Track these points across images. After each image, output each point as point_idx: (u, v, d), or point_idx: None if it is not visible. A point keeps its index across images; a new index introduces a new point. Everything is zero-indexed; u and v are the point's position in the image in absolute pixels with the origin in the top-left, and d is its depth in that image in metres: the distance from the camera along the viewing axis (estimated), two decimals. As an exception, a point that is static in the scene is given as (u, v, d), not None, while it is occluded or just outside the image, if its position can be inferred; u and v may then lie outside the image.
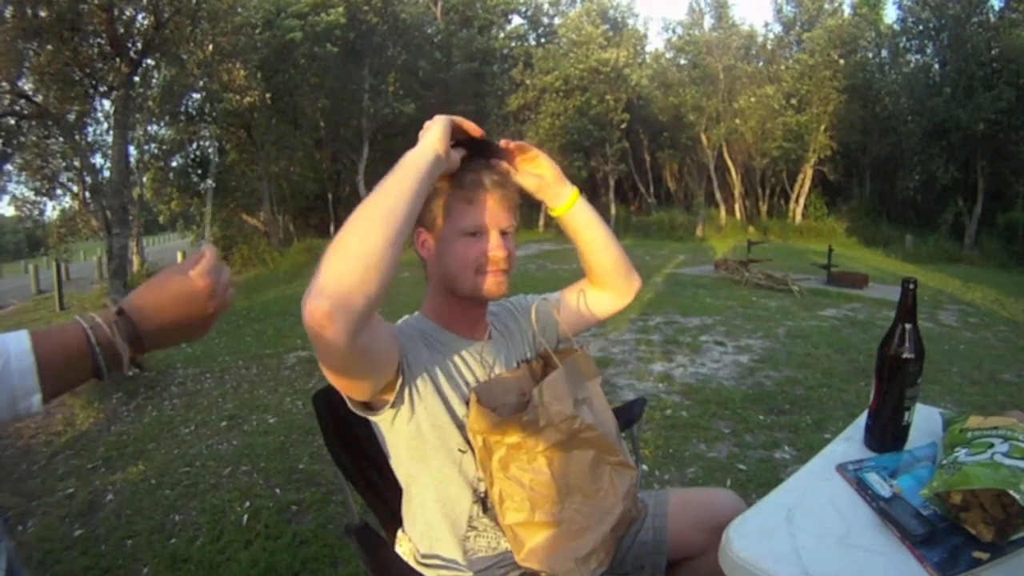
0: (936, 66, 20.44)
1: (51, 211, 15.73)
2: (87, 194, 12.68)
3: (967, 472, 0.99)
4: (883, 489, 1.12)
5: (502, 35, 24.80)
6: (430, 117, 1.21)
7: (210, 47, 7.53)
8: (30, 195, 13.89)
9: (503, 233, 1.29)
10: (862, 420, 1.40)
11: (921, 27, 20.25)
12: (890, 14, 30.19)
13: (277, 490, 3.44)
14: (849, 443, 1.37)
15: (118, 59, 6.38)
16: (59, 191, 13.87)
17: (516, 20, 26.67)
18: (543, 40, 25.01)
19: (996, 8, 18.20)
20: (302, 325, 1.00)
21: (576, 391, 1.23)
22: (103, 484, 3.66)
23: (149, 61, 9.33)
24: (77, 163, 12.34)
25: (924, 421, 1.37)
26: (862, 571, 0.94)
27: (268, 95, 13.38)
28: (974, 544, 0.97)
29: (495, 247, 1.27)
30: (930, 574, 0.92)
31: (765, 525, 1.05)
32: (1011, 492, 0.92)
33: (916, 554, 0.96)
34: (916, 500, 1.08)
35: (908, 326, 1.26)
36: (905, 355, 1.26)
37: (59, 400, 5.21)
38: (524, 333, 1.50)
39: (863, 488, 1.14)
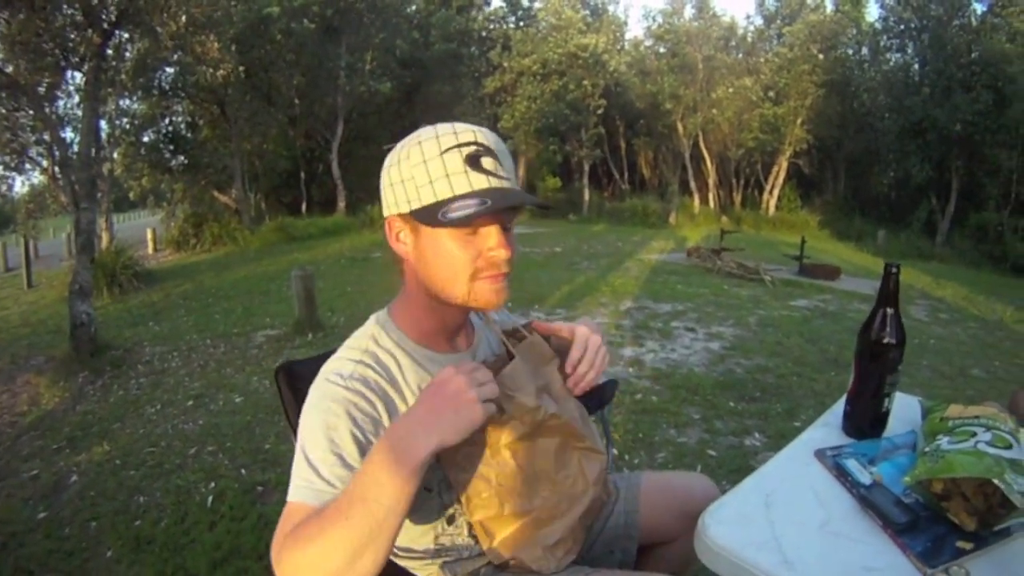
0: (916, 66, 20.76)
1: (20, 187, 15.45)
2: (56, 168, 12.45)
3: (951, 460, 0.98)
4: (863, 476, 1.10)
5: (481, 16, 24.62)
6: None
7: (183, 18, 7.35)
8: (-2, 170, 13.65)
9: (504, 229, 1.03)
10: (839, 406, 1.39)
11: (902, 26, 20.54)
12: (872, 12, 30.40)
13: (243, 470, 3.39)
14: (827, 429, 1.35)
15: (90, 29, 6.21)
16: (28, 166, 13.62)
17: (496, 2, 26.55)
18: (522, 23, 24.85)
19: (978, 12, 18.49)
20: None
21: (536, 377, 1.15)
22: (68, 465, 3.60)
23: (124, 34, 9.12)
24: (47, 137, 12.10)
25: (902, 409, 1.36)
26: (843, 559, 0.92)
27: (242, 69, 13.17)
28: (957, 534, 0.95)
29: (497, 246, 1.00)
30: (913, 563, 0.91)
31: (743, 511, 1.03)
32: (995, 481, 0.90)
33: (898, 542, 0.95)
34: (897, 487, 1.06)
35: (890, 311, 1.24)
36: (886, 340, 1.24)
37: (24, 379, 5.13)
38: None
39: (843, 474, 1.12)
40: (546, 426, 1.14)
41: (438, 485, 1.13)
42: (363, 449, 0.96)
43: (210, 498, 3.10)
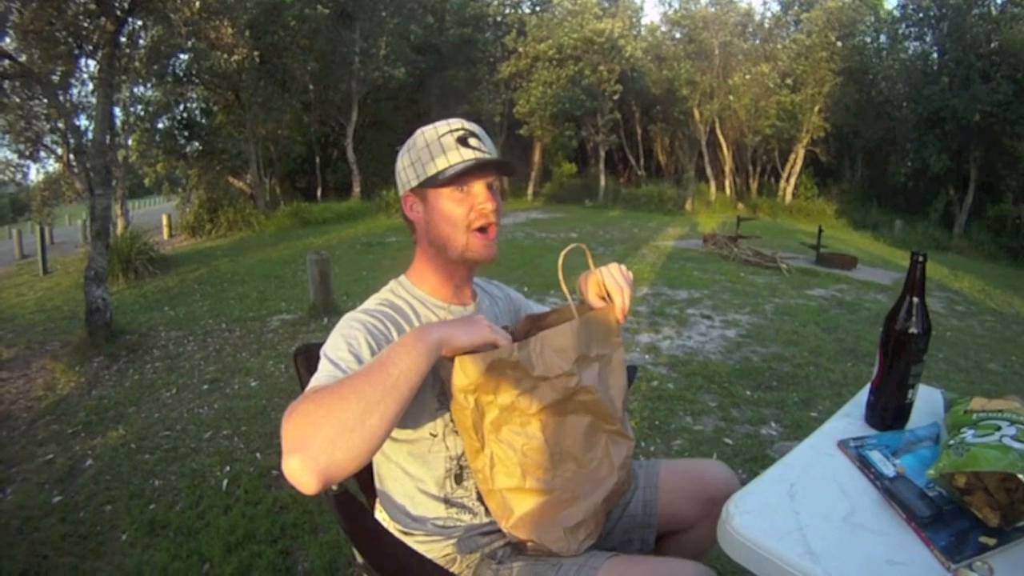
0: (934, 54, 20.44)
1: (35, 174, 15.56)
2: (71, 156, 12.50)
3: (975, 454, 0.96)
4: (886, 468, 1.08)
5: (496, 1, 24.41)
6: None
7: (197, 4, 7.34)
8: (13, 158, 13.71)
9: (489, 187, 1.29)
10: (861, 396, 1.37)
11: (921, 15, 20.23)
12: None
13: (257, 454, 3.41)
14: (849, 419, 1.33)
15: (103, 17, 6.22)
16: (43, 154, 13.69)
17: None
18: (537, 8, 24.65)
19: (998, 1, 18.22)
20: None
21: (588, 347, 1.18)
22: (83, 449, 3.63)
23: (137, 21, 9.12)
24: (61, 124, 12.15)
25: (924, 401, 1.34)
26: (867, 551, 0.91)
27: (257, 55, 13.17)
28: (981, 529, 0.94)
29: (484, 199, 1.27)
30: (937, 558, 0.89)
31: (767, 501, 1.02)
32: (1019, 476, 0.88)
33: (922, 536, 0.93)
34: (920, 480, 1.04)
35: (915, 300, 1.22)
36: (912, 330, 1.22)
37: (40, 364, 5.17)
38: (508, 301, 1.55)
39: (866, 466, 1.11)
40: (578, 399, 1.16)
41: (443, 430, 1.26)
42: (370, 349, 1.15)
43: (225, 482, 3.12)
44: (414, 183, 1.29)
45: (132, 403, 4.35)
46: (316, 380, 1.06)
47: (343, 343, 1.14)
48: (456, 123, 1.29)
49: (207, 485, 3.11)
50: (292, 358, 1.44)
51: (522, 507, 1.15)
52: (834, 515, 0.98)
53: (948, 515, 0.97)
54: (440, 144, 1.26)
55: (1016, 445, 0.96)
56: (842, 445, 1.19)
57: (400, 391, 0.94)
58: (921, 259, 1.21)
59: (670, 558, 1.23)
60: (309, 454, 0.86)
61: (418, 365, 0.98)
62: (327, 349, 1.14)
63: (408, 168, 1.30)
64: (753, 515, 0.97)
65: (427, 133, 1.28)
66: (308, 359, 1.37)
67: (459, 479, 1.28)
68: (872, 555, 0.90)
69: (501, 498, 1.16)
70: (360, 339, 1.16)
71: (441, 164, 1.25)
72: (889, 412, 1.28)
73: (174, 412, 4.13)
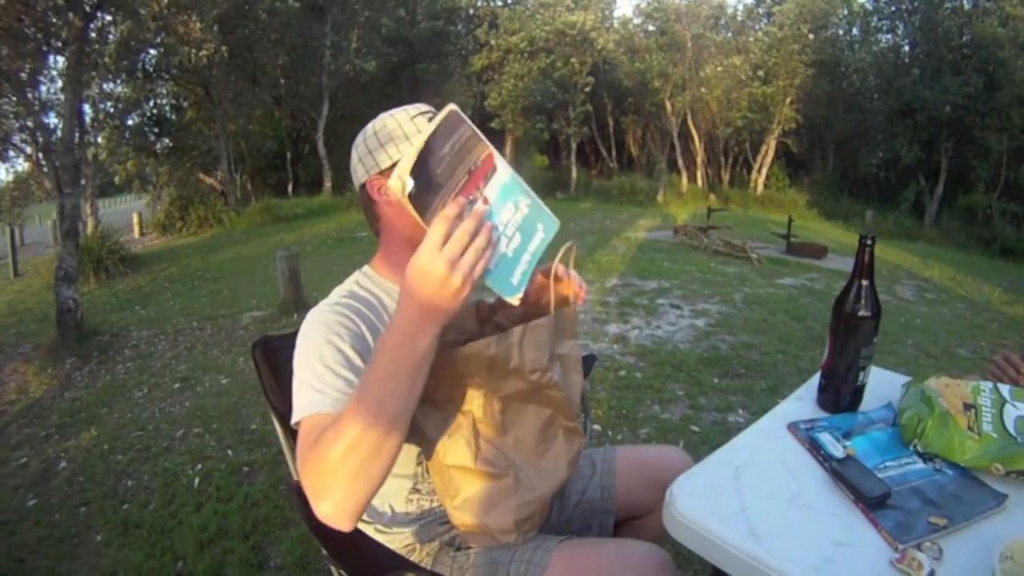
0: (906, 47, 20.75)
1: (4, 174, 15.27)
2: (40, 155, 12.31)
3: None
4: (836, 450, 1.10)
5: (468, -6, 24.41)
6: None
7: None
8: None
9: None
10: (815, 380, 1.38)
11: (894, 8, 20.53)
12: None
13: (229, 451, 3.41)
14: (801, 402, 1.35)
15: (72, 12, 6.15)
16: (12, 153, 13.46)
17: (483, -20, 26.27)
18: (509, 0, 24.65)
19: (970, -5, 18.48)
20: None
21: (556, 345, 1.16)
22: (56, 452, 3.62)
23: (106, 16, 9.01)
24: (30, 123, 11.96)
25: (878, 384, 1.35)
26: (813, 532, 0.92)
27: (226, 49, 13.04)
28: (931, 509, 0.96)
29: None
30: (884, 538, 0.91)
31: (712, 483, 1.03)
32: None
33: (870, 517, 0.95)
34: (871, 462, 1.07)
35: (865, 283, 1.23)
36: (861, 313, 1.23)
37: (12, 368, 5.11)
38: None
39: (815, 448, 1.12)
40: (545, 394, 1.14)
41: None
42: (350, 360, 1.09)
43: (197, 480, 3.12)
44: (385, 164, 1.22)
45: (104, 404, 4.33)
46: (305, 407, 1.04)
47: (316, 359, 1.08)
48: (422, 106, 1.28)
49: (179, 483, 3.11)
50: (251, 350, 1.43)
51: (469, 488, 1.14)
52: (780, 496, 1.00)
53: (897, 496, 0.98)
54: (414, 124, 1.23)
55: None
56: (792, 427, 1.21)
57: (408, 412, 0.93)
58: (869, 242, 1.22)
59: (623, 539, 1.23)
60: (335, 500, 0.89)
61: (416, 387, 0.93)
62: (300, 365, 1.09)
63: (377, 151, 1.23)
64: (696, 496, 0.99)
65: (397, 116, 1.24)
66: (266, 352, 1.35)
67: (417, 488, 1.27)
68: (818, 536, 0.91)
69: (449, 475, 1.14)
70: (332, 349, 1.10)
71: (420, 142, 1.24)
72: (841, 395, 1.30)
73: (146, 412, 4.11)
